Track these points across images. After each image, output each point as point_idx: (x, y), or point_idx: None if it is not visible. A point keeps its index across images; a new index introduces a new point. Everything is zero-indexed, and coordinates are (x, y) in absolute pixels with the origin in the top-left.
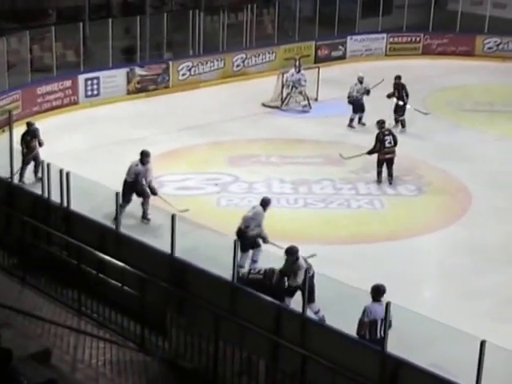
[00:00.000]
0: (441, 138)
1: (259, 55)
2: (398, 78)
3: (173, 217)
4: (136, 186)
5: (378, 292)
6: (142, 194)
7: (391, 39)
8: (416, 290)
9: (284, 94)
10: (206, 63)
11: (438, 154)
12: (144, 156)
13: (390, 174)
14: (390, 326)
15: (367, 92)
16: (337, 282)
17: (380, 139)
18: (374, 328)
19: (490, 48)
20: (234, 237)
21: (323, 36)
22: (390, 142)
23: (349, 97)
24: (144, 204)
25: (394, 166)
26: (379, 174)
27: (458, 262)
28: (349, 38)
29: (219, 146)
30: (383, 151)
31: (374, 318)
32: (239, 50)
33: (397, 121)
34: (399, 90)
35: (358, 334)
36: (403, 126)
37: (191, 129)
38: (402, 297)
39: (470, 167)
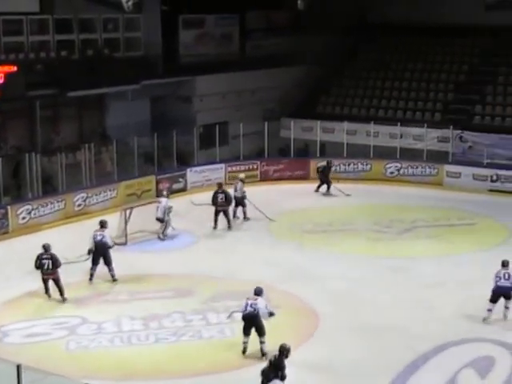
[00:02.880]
0: (285, 260)
1: (100, 193)
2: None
3: (18, 367)
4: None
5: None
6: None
7: (230, 168)
8: None
9: (163, 223)
10: (46, 205)
11: (283, 277)
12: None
13: (228, 222)
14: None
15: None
16: None
17: (215, 196)
18: None
19: None
20: (85, 381)
21: (163, 170)
22: (221, 199)
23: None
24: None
25: None
26: (215, 221)
27: (314, 382)
28: (188, 169)
29: (64, 288)
30: (217, 204)
31: None
32: (79, 189)
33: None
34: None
35: None
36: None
37: (35, 274)
38: None
39: (314, 287)
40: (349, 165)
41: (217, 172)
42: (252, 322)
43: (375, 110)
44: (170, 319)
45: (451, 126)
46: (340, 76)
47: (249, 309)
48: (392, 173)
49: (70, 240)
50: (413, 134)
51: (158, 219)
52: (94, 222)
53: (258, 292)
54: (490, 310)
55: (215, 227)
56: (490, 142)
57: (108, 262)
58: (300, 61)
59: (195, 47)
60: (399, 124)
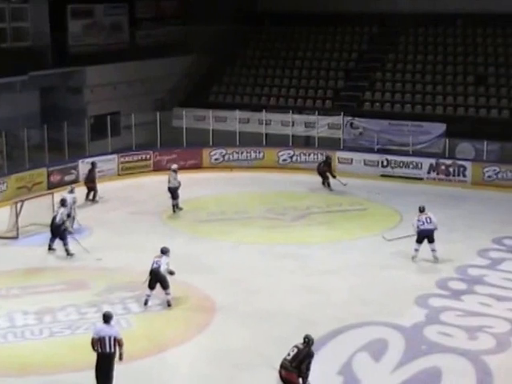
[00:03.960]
0: (179, 250)
1: None
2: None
3: None
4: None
5: (105, 317)
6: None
7: (122, 159)
8: None
9: (70, 218)
10: None
11: (178, 267)
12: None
13: (93, 196)
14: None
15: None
16: None
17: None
18: (103, 343)
19: (216, 159)
20: None
21: (54, 162)
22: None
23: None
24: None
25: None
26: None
27: (209, 371)
28: (80, 161)
29: None
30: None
31: (102, 336)
32: None
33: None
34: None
35: (93, 348)
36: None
37: None
38: None
39: (209, 276)
40: (242, 153)
41: (109, 163)
42: (156, 276)
43: (267, 99)
44: (64, 312)
45: (342, 113)
46: (231, 65)
47: (154, 265)
48: (285, 160)
49: None
50: (304, 122)
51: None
52: None
53: (164, 251)
54: (416, 250)
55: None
56: (380, 128)
57: (61, 238)
58: (191, 50)
59: (84, 37)
60: (291, 112)
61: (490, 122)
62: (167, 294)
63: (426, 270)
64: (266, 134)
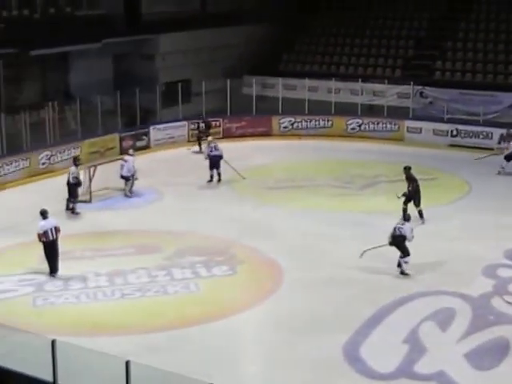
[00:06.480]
0: (247, 216)
1: (64, 151)
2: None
3: None
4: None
5: (43, 214)
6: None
7: (192, 126)
8: (238, 369)
9: (130, 181)
10: (11, 163)
11: (247, 233)
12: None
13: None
14: None
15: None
16: (158, 370)
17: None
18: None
19: (285, 127)
20: (52, 337)
21: (126, 127)
22: None
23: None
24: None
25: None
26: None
27: (274, 337)
28: (151, 127)
29: (31, 246)
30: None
31: (46, 229)
32: (44, 147)
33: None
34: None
35: (39, 240)
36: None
37: (1, 230)
38: (226, 377)
39: (278, 242)
40: (310, 121)
41: (180, 129)
42: (394, 240)
43: (336, 67)
44: (135, 275)
45: (412, 82)
46: (301, 33)
47: (396, 232)
48: (353, 129)
49: (34, 198)
50: (374, 91)
51: (123, 177)
52: (58, 180)
53: (407, 218)
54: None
55: None
56: (450, 97)
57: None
58: (262, 18)
59: (157, 4)
60: (360, 80)
61: None
62: (404, 262)
63: (493, 240)
64: (335, 103)
